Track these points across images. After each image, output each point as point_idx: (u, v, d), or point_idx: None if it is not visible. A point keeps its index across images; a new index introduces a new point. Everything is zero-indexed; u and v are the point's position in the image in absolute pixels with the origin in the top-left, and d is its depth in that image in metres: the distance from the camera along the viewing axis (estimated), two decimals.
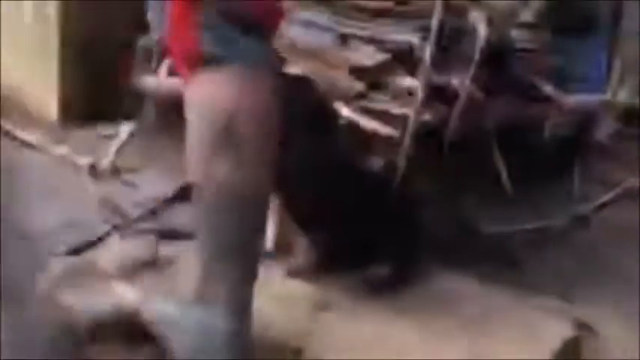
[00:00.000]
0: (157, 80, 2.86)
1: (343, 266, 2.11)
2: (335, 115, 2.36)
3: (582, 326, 2.09)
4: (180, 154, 2.77)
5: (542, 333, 1.95)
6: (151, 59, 3.18)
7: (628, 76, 4.06)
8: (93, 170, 2.56)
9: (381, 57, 2.78)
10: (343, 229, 2.09)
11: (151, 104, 2.61)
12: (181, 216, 2.31)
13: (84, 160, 2.61)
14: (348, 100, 2.70)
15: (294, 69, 2.90)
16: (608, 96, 3.78)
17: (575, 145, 3.96)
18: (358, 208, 2.12)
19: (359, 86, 2.73)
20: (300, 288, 2.02)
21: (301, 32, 2.96)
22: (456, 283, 2.20)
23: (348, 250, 2.11)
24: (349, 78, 2.76)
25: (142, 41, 3.25)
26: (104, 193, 2.39)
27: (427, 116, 2.55)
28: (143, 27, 3.27)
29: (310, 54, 2.92)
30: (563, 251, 2.81)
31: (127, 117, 2.76)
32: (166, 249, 2.16)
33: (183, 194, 2.43)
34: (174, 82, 2.83)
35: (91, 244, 2.13)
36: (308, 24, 3.08)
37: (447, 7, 2.58)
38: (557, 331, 1.98)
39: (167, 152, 2.77)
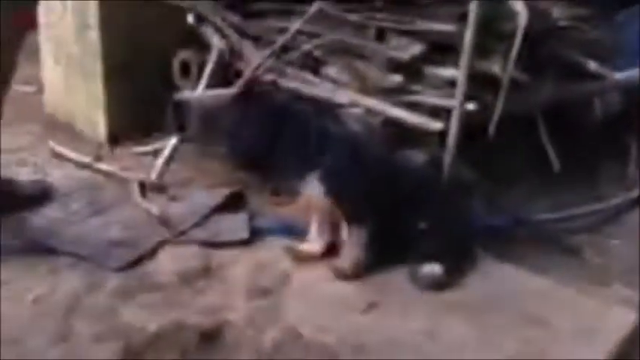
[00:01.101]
0: (198, 94, 2.90)
1: (392, 264, 2.09)
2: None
3: None
4: (224, 166, 2.86)
5: (604, 324, 1.87)
6: (190, 73, 3.24)
7: None
8: (142, 186, 2.62)
9: (417, 49, 2.73)
10: (391, 227, 2.07)
11: (193, 118, 2.64)
12: (228, 225, 2.33)
13: (133, 177, 2.67)
14: (386, 95, 2.68)
15: (331, 69, 2.90)
16: None
17: (627, 122, 3.79)
18: (406, 205, 2.10)
19: (397, 79, 2.70)
20: (349, 288, 2.00)
21: (338, 32, 2.95)
22: (511, 276, 2.14)
23: (398, 248, 2.08)
24: (386, 72, 2.74)
25: (181, 55, 3.31)
26: (154, 207, 2.43)
27: (471, 106, 2.48)
28: (181, 41, 3.34)
29: (347, 52, 2.90)
30: (622, 235, 2.70)
31: (172, 132, 2.80)
32: (217, 257, 2.18)
33: (228, 204, 2.46)
34: (214, 95, 2.88)
35: (145, 258, 2.18)
36: (344, 23, 3.08)
37: None
38: (620, 321, 1.89)
39: (211, 165, 2.82)
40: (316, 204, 2.09)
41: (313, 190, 2.04)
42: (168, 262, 2.14)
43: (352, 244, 2.06)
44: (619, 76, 3.40)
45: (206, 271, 2.09)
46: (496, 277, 2.12)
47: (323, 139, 2.07)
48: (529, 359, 1.71)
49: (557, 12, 2.92)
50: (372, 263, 2.07)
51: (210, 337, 1.80)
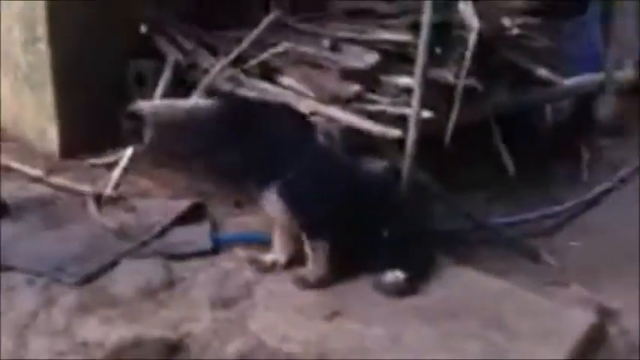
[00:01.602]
0: (154, 104, 2.85)
1: (355, 272, 2.09)
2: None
3: (606, 313, 2.05)
4: (183, 176, 2.81)
5: (564, 324, 1.91)
6: (144, 83, 3.18)
7: (626, 53, 4.05)
8: (97, 199, 2.55)
9: (373, 58, 2.77)
10: (353, 236, 2.08)
11: (149, 128, 2.59)
12: (189, 236, 2.30)
13: (88, 190, 2.60)
14: (344, 104, 2.70)
15: (287, 78, 2.91)
16: (605, 75, 3.76)
17: (578, 126, 3.94)
18: (367, 213, 2.10)
19: (354, 89, 2.72)
20: (313, 297, 2.00)
21: (294, 42, 2.96)
22: (471, 279, 2.17)
23: (360, 256, 2.09)
24: (343, 82, 2.76)
25: (134, 65, 3.25)
26: (110, 220, 2.37)
27: (427, 114, 2.53)
28: (136, 52, 3.29)
29: (304, 62, 2.92)
30: (577, 236, 2.78)
31: (127, 143, 2.74)
32: (178, 269, 2.14)
33: (189, 215, 2.43)
34: (170, 105, 2.84)
35: (103, 272, 2.12)
36: (300, 33, 3.10)
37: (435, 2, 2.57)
38: (579, 322, 1.94)
39: (170, 175, 2.77)
40: (277, 217, 2.08)
41: (272, 204, 2.03)
42: (128, 276, 2.09)
43: (315, 254, 2.06)
44: (568, 82, 3.53)
45: (167, 284, 2.05)
46: (456, 282, 2.15)
47: (284, 150, 2.07)
48: None
49: (508, 21, 3.01)
50: (335, 272, 2.07)
51: (174, 350, 1.76)
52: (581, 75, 3.63)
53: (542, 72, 3.15)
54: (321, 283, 2.04)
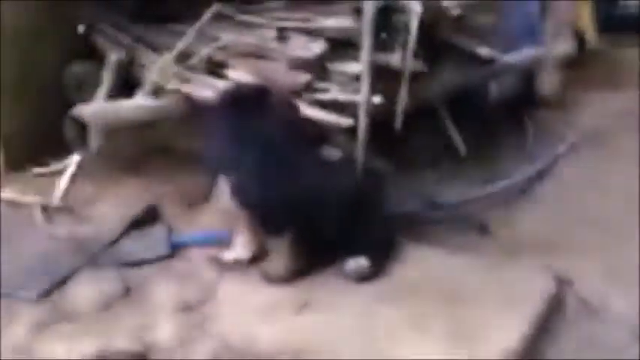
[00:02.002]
0: (96, 106, 2.76)
1: (318, 264, 2.10)
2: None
3: (562, 280, 2.13)
4: (134, 180, 2.74)
5: (523, 294, 1.97)
6: (85, 86, 3.07)
7: (563, 28, 4.17)
8: (45, 210, 2.46)
9: (318, 47, 2.76)
10: (315, 227, 2.07)
11: (93, 132, 2.51)
12: (145, 241, 2.25)
13: (35, 201, 2.50)
14: (295, 94, 2.68)
15: (235, 72, 2.86)
16: (545, 49, 3.87)
17: (521, 101, 4.04)
18: (322, 203, 2.10)
19: (303, 79, 2.71)
20: (279, 292, 1.99)
21: (238, 34, 2.92)
22: (431, 258, 2.21)
23: (321, 247, 2.09)
24: (292, 72, 2.74)
25: (73, 68, 3.13)
26: (62, 231, 2.30)
27: (376, 100, 2.54)
28: (75, 54, 3.16)
29: (250, 54, 2.88)
30: (528, 208, 2.87)
31: (72, 149, 2.65)
32: (137, 276, 2.10)
33: (143, 220, 2.38)
34: (114, 106, 2.76)
35: (58, 286, 2.05)
36: (243, 24, 3.05)
37: None
38: (538, 289, 2.01)
39: (120, 179, 2.69)
40: (232, 212, 2.05)
41: (226, 200, 2.01)
42: (85, 288, 2.04)
43: (279, 248, 2.05)
44: (509, 58, 3.61)
45: (126, 293, 2.01)
46: (417, 262, 2.19)
47: (238, 144, 2.04)
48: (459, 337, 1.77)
49: (448, 2, 3.04)
50: (300, 265, 2.06)
51: None
52: (521, 50, 3.72)
53: (484, 50, 3.20)
54: (286, 278, 2.04)
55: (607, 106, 4.01)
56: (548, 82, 3.99)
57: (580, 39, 4.80)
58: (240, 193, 1.99)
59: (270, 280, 2.04)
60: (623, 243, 2.42)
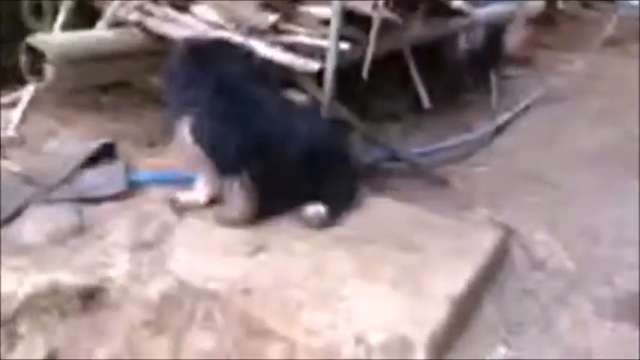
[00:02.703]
0: (54, 37, 2.64)
1: (277, 208, 2.10)
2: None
3: (510, 232, 2.21)
4: (91, 115, 2.66)
5: (472, 243, 2.04)
6: (43, 14, 2.92)
7: None
8: None
9: None
10: (275, 171, 2.06)
11: (50, 64, 2.40)
12: (102, 178, 2.21)
13: None
14: (262, 35, 2.62)
15: (201, 7, 2.76)
16: (516, 5, 3.86)
17: (489, 56, 4.06)
18: (284, 146, 2.08)
19: (271, 19, 2.64)
20: (235, 234, 1.99)
21: None
22: (387, 207, 2.25)
23: (280, 192, 2.09)
24: (262, 12, 2.66)
25: None
26: (14, 164, 2.23)
27: (345, 46, 2.50)
28: None
29: None
30: (486, 162, 2.93)
31: (28, 80, 2.54)
32: (92, 213, 2.06)
33: (100, 156, 2.32)
34: (73, 37, 2.64)
35: (10, 220, 2.00)
36: None
37: None
38: (486, 239, 2.07)
39: (77, 114, 2.61)
40: (190, 153, 2.02)
41: (185, 139, 1.97)
42: (38, 223, 1.99)
43: (235, 191, 2.03)
44: (480, 12, 3.59)
45: (81, 229, 1.98)
46: (374, 210, 2.22)
47: (199, 82, 1.99)
48: (405, 282, 1.82)
49: None
50: (258, 207, 2.06)
51: (91, 295, 1.72)
52: (492, 5, 3.70)
53: (456, 2, 3.18)
54: (239, 222, 2.03)
55: (570, 65, 4.07)
56: (516, 39, 4.01)
57: None
58: (198, 133, 1.95)
59: (224, 223, 2.03)
60: (568, 198, 2.53)
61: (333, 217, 2.11)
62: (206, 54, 2.06)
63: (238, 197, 2.03)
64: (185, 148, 2.03)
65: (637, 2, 7.76)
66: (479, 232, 2.13)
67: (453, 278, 1.85)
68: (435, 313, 1.72)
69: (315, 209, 2.09)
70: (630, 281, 2.00)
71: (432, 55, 3.40)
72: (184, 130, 1.99)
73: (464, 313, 1.82)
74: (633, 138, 3.24)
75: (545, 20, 4.61)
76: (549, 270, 2.07)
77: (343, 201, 2.20)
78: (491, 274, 2.02)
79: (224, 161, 2.00)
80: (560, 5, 5.10)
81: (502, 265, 2.08)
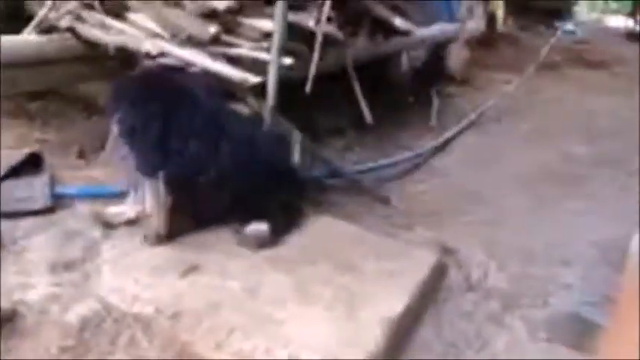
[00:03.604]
0: None
1: (213, 224, 2.03)
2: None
3: (447, 252, 2.22)
4: (17, 123, 2.50)
5: (409, 264, 2.03)
6: None
7: (475, 7, 4.26)
8: None
9: None
10: (214, 186, 1.98)
11: None
12: (25, 191, 2.07)
13: None
14: (202, 46, 2.55)
15: (137, 15, 2.67)
16: (458, 26, 3.94)
17: (431, 74, 4.12)
18: (230, 163, 2.01)
19: (212, 30, 2.57)
20: (166, 253, 1.90)
21: None
22: (328, 227, 2.22)
23: (214, 206, 2.02)
24: (203, 23, 2.59)
25: None
26: None
27: (288, 60, 2.47)
28: None
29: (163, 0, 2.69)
30: (426, 180, 2.95)
31: None
32: (12, 229, 1.93)
33: (24, 168, 2.18)
34: (3, 42, 2.49)
35: None
36: None
37: None
38: (423, 260, 2.07)
39: (2, 121, 2.44)
40: (123, 167, 1.91)
41: (117, 153, 1.87)
42: None
43: (156, 205, 1.93)
44: (423, 32, 3.65)
45: (0, 246, 1.84)
46: (313, 229, 2.18)
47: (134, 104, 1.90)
48: (343, 304, 1.79)
49: None
50: (190, 224, 1.98)
51: (6, 319, 1.59)
52: (434, 25, 3.77)
53: (398, 22, 3.21)
54: (161, 239, 1.93)
55: (508, 86, 4.19)
56: (456, 59, 4.10)
57: (491, 19, 4.95)
58: (122, 125, 1.85)
59: (147, 240, 1.93)
60: (504, 218, 2.57)
61: (274, 237, 2.04)
62: (151, 70, 1.98)
63: (159, 213, 1.92)
64: (117, 161, 1.93)
65: (573, 27, 8.18)
66: (417, 253, 2.13)
67: (391, 300, 1.83)
68: (372, 335, 1.69)
69: (257, 227, 2.02)
70: (565, 301, 2.03)
71: (375, 73, 3.42)
72: (117, 142, 1.90)
73: (400, 334, 1.80)
74: (566, 158, 3.35)
75: (485, 42, 4.75)
76: (485, 290, 2.07)
77: (285, 219, 2.14)
78: (428, 295, 2.01)
79: (141, 158, 1.89)
80: (500, 28, 5.27)
81: (439, 286, 2.08)
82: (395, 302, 1.82)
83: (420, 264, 2.05)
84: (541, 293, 2.08)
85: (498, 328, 1.91)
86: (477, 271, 2.16)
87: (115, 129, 1.89)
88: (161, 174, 1.90)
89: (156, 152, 1.87)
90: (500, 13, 5.19)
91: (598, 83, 5.15)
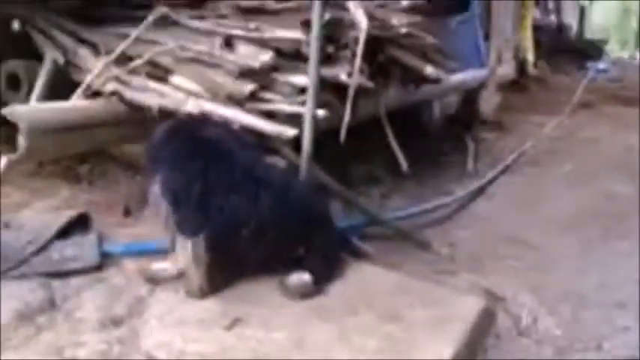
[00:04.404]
0: (29, 107, 2.63)
1: (256, 276, 2.04)
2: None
3: (494, 298, 2.17)
4: (65, 185, 2.61)
5: (456, 310, 1.99)
6: (18, 85, 2.93)
7: (505, 51, 4.31)
8: None
9: (267, 57, 2.73)
10: (254, 238, 2.01)
11: (23, 134, 2.38)
12: (74, 251, 2.14)
13: None
14: (239, 103, 2.63)
15: (178, 78, 2.79)
16: (488, 71, 3.98)
17: (464, 120, 4.14)
18: (269, 216, 2.04)
19: (249, 88, 2.67)
20: (211, 306, 1.92)
21: (187, 39, 2.85)
22: (368, 274, 2.20)
23: (255, 258, 2.03)
24: (238, 81, 2.69)
25: (7, 66, 2.98)
26: None
27: (321, 112, 2.53)
28: (10, 51, 3.00)
29: (195, 60, 2.81)
30: (467, 225, 2.92)
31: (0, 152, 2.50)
32: (62, 288, 1.98)
33: (72, 228, 2.26)
34: (48, 108, 2.63)
35: None
36: (190, 30, 2.98)
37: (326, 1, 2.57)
38: (470, 306, 2.02)
39: (49, 185, 2.56)
40: (166, 223, 1.96)
41: (160, 210, 1.92)
42: (5, 299, 1.90)
43: (194, 261, 1.95)
44: (453, 78, 3.69)
45: (49, 305, 1.89)
46: (355, 278, 2.17)
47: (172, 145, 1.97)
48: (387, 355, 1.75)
49: (395, 20, 3.07)
50: (231, 276, 1.99)
51: None
52: (465, 71, 3.81)
53: (429, 69, 3.26)
54: (203, 293, 1.95)
55: (543, 129, 4.17)
56: (489, 104, 4.11)
57: (521, 63, 4.98)
58: (164, 187, 1.91)
59: (190, 295, 1.94)
60: (550, 261, 2.51)
61: (317, 286, 2.04)
62: (186, 125, 2.06)
63: (199, 267, 1.95)
64: (160, 217, 1.98)
65: (605, 66, 8.13)
66: (463, 299, 2.09)
67: (438, 348, 1.79)
68: None
69: (300, 278, 2.02)
70: (620, 346, 1.95)
71: (408, 120, 3.46)
72: (159, 199, 1.95)
73: None
74: (609, 198, 3.28)
75: (517, 86, 4.76)
76: (536, 336, 2.01)
77: (327, 269, 2.13)
78: (477, 342, 1.96)
79: (183, 219, 1.93)
80: (531, 71, 5.28)
81: (487, 333, 2.02)
82: (443, 350, 1.78)
83: (467, 310, 2.00)
84: (595, 337, 2.00)
85: None
86: (526, 317, 2.10)
87: (155, 189, 1.94)
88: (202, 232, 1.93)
89: (198, 212, 1.92)
90: (530, 56, 5.22)
91: (634, 120, 5.08)
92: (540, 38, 5.74)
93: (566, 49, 7.11)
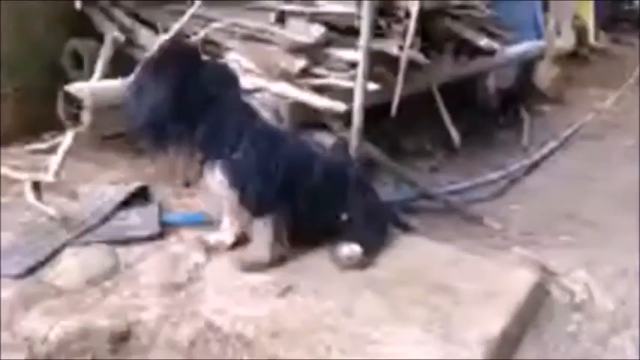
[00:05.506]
0: (92, 84, 2.75)
1: (307, 247, 2.09)
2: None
3: (547, 273, 2.14)
4: (126, 158, 2.73)
5: (507, 284, 1.98)
6: (82, 63, 3.06)
7: (564, 22, 4.14)
8: (36, 186, 2.46)
9: (319, 32, 2.75)
10: (305, 212, 2.06)
11: (87, 110, 2.50)
12: (136, 220, 2.25)
13: (26, 177, 2.49)
14: (291, 79, 2.67)
15: (233, 54, 2.85)
16: (545, 43, 3.85)
17: (520, 93, 4.04)
18: (319, 189, 2.07)
19: (301, 63, 2.70)
20: (264, 275, 1.98)
21: (237, 16, 2.90)
22: (419, 247, 2.21)
23: (312, 231, 2.09)
24: (291, 56, 2.72)
25: (70, 45, 3.12)
26: (51, 208, 2.29)
27: (372, 86, 2.53)
28: (72, 30, 3.14)
29: (251, 36, 2.86)
30: (519, 200, 2.87)
31: (66, 126, 2.64)
32: (125, 255, 2.09)
33: (134, 199, 2.37)
34: (109, 85, 2.74)
35: (46, 262, 2.05)
36: (243, 7, 3.02)
37: None
38: (523, 281, 2.01)
39: (112, 158, 2.69)
40: (221, 195, 2.04)
41: (217, 182, 1.99)
42: (72, 265, 2.03)
43: (259, 237, 2.02)
44: (509, 50, 3.60)
45: (114, 271, 2.00)
46: (406, 250, 2.18)
47: (229, 127, 2.02)
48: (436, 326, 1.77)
49: None
50: (283, 252, 2.05)
51: (122, 339, 1.73)
52: (521, 43, 3.70)
53: (484, 41, 3.19)
54: (265, 267, 2.01)
55: (602, 102, 4.01)
56: (546, 76, 3.98)
57: (581, 34, 4.78)
58: (229, 173, 1.97)
59: (248, 267, 2.00)
60: (606, 238, 2.44)
61: (367, 258, 2.08)
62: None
63: (261, 242, 2.01)
64: (214, 188, 2.06)
65: None
66: (516, 273, 2.06)
67: (489, 321, 1.79)
68: (471, 356, 1.66)
69: (351, 249, 2.06)
70: None
71: (462, 93, 3.40)
72: (216, 173, 2.01)
73: (500, 356, 1.76)
74: None
75: (576, 58, 4.58)
76: (590, 311, 1.98)
77: (376, 241, 2.17)
78: (529, 317, 1.95)
79: (259, 203, 2.00)
80: (591, 42, 5.06)
81: (540, 307, 2.01)
82: (493, 324, 1.77)
83: (519, 284, 1.99)
84: None
85: (606, 351, 1.82)
86: (580, 292, 2.06)
87: (217, 179, 1.99)
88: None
89: (270, 195, 1.99)
90: (590, 26, 4.99)
91: None
92: (601, 8, 5.48)
93: (628, 18, 6.76)
